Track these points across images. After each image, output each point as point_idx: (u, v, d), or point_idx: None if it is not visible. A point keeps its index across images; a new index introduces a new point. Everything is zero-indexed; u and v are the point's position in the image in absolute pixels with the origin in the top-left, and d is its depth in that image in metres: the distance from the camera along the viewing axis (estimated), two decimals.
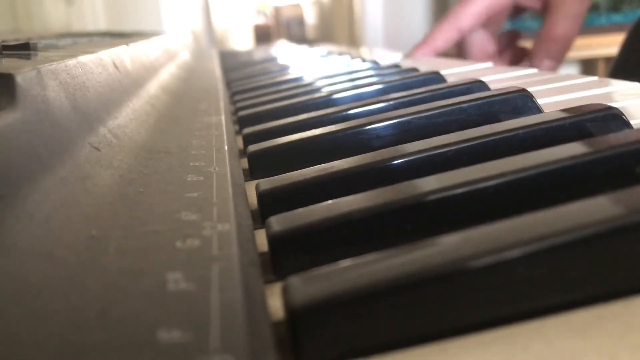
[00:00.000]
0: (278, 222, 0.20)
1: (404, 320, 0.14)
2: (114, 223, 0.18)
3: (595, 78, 0.43)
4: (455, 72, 0.54)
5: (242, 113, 0.46)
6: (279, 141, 0.33)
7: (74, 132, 0.24)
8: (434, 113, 0.33)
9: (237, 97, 0.57)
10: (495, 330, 0.15)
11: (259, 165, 0.32)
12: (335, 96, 0.45)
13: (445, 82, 0.46)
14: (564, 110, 0.28)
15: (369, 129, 0.32)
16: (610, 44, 1.88)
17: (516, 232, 0.15)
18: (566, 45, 0.65)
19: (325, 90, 0.50)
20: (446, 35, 0.67)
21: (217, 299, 0.14)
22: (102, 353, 0.12)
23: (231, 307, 0.13)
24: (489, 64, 0.57)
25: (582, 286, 0.15)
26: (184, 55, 0.87)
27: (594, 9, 2.09)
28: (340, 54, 0.90)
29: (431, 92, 0.40)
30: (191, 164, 0.27)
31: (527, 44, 0.74)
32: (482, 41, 0.67)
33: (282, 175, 0.26)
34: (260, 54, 1.22)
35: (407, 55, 0.71)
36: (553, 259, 0.15)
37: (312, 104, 0.45)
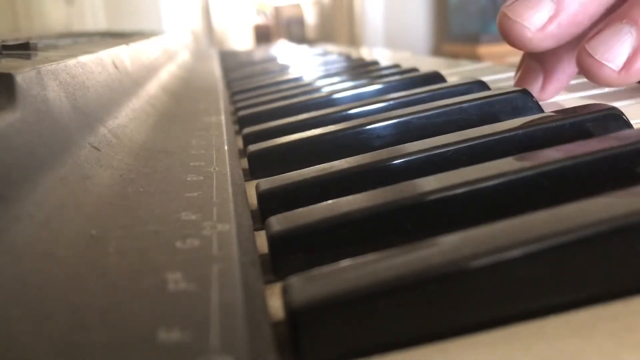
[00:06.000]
0: (278, 222, 0.20)
1: (404, 321, 0.14)
2: (114, 223, 0.18)
3: None
4: (455, 72, 0.54)
5: (242, 113, 0.46)
6: (279, 141, 0.33)
7: (74, 132, 0.24)
8: (434, 113, 0.33)
9: (237, 97, 0.57)
10: (496, 330, 0.15)
11: (259, 165, 0.32)
12: (335, 96, 0.45)
13: (445, 82, 0.46)
14: (564, 110, 0.28)
15: (369, 129, 0.32)
16: None
17: (516, 232, 0.15)
18: None
19: (325, 90, 0.50)
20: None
21: (217, 299, 0.14)
22: (102, 353, 0.12)
23: (231, 307, 0.13)
24: (489, 64, 0.57)
25: (582, 286, 0.15)
26: (184, 55, 0.87)
27: None
28: (340, 53, 0.90)
29: (431, 92, 0.40)
30: (191, 164, 0.27)
31: None
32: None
33: (282, 175, 0.26)
34: (260, 54, 1.22)
35: None
36: (553, 259, 0.15)
37: (312, 103, 0.45)
